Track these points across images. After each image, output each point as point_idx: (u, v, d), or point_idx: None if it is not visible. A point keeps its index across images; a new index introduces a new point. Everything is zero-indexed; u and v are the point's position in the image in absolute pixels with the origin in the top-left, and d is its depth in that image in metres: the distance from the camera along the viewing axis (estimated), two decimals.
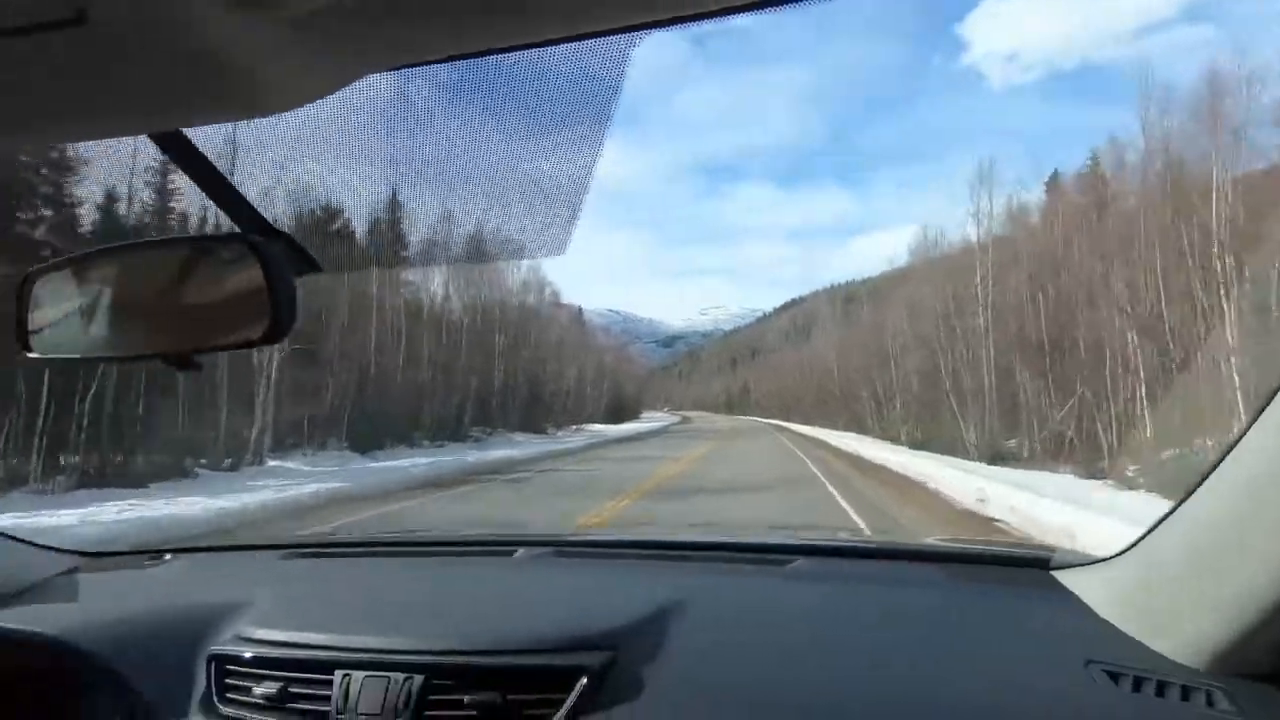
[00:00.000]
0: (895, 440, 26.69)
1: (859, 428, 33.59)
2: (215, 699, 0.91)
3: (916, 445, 23.47)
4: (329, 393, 18.05)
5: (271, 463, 15.20)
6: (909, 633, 0.94)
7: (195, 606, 1.05)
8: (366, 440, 18.96)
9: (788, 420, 54.81)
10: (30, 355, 0.66)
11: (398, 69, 0.46)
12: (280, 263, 0.56)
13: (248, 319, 0.57)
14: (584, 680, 0.84)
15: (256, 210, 0.59)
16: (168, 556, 1.38)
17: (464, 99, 0.55)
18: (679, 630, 0.92)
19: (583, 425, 42.27)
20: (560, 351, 42.09)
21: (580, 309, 58.99)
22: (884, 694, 0.81)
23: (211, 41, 0.36)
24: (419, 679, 0.86)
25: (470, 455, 19.02)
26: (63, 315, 0.66)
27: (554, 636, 0.90)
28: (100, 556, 1.38)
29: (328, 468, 14.70)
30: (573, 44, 0.44)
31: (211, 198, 0.57)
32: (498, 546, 1.37)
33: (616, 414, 58.03)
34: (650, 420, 66.01)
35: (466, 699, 0.84)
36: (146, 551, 1.43)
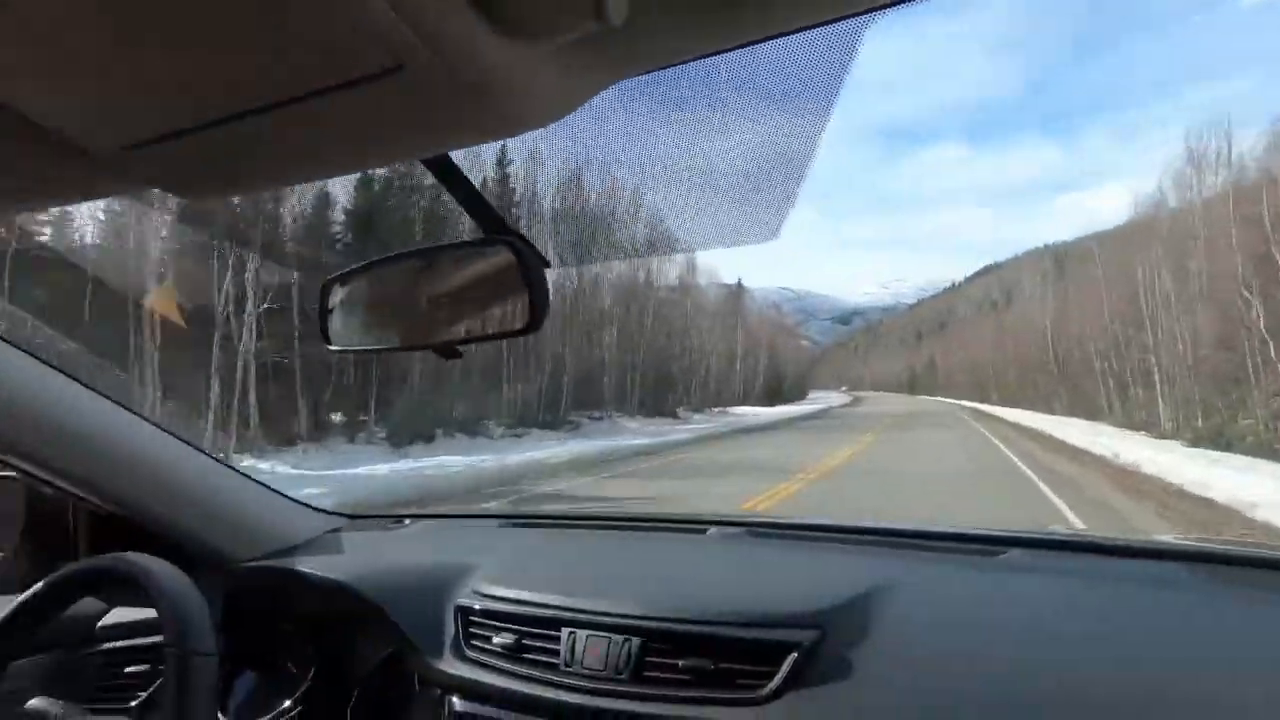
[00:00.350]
0: (1158, 433, 18.56)
1: (1087, 412, 25.63)
2: (463, 644, 1.04)
3: (1201, 442, 15.43)
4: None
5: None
6: (1157, 633, 0.85)
7: (438, 564, 1.19)
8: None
9: (984, 402, 45.12)
10: (330, 349, 0.79)
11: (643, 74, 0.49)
12: (534, 260, 0.64)
13: (510, 312, 0.67)
14: (795, 655, 0.86)
15: (500, 215, 0.66)
16: (407, 521, 1.57)
17: (689, 95, 0.57)
18: (888, 613, 0.91)
19: (727, 408, 38.19)
20: (707, 329, 38.85)
21: (738, 284, 53.80)
22: (1132, 691, 0.75)
23: (491, 71, 0.41)
24: (636, 641, 0.93)
25: (484, 457, 14.20)
26: (353, 314, 0.80)
27: (764, 612, 0.92)
28: (355, 519, 1.58)
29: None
30: (806, 32, 0.46)
31: (463, 206, 0.65)
32: (690, 524, 1.41)
33: (775, 395, 53.13)
34: (814, 402, 60.22)
35: (681, 663, 0.89)
36: (390, 516, 1.63)
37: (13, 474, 1.13)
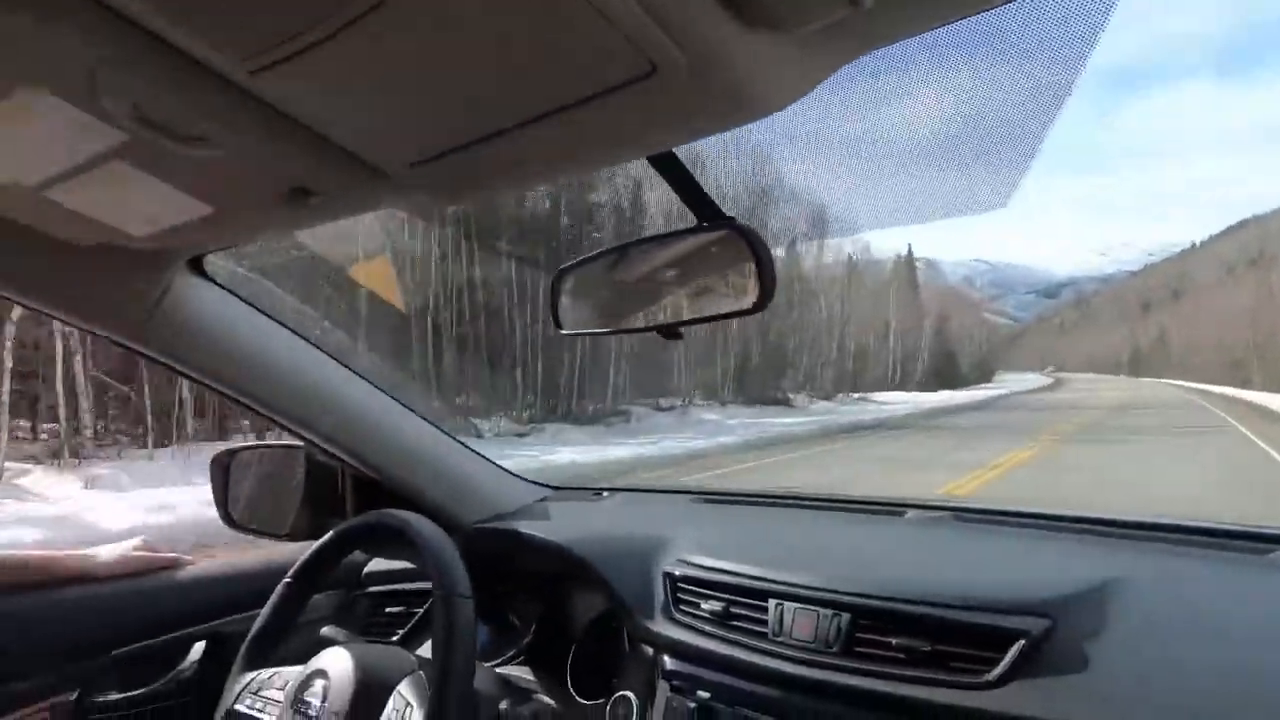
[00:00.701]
0: None
1: None
2: (671, 608, 1.09)
3: None
4: None
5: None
6: None
7: (642, 534, 1.25)
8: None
9: (1243, 386, 37.06)
10: (563, 333, 0.88)
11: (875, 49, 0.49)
12: (762, 243, 0.68)
13: (739, 292, 0.71)
14: (1023, 643, 0.82)
15: (714, 201, 0.70)
16: (605, 493, 1.66)
17: (920, 64, 0.56)
18: (1124, 608, 0.84)
19: (870, 394, 33.16)
20: (840, 300, 34.13)
21: (907, 254, 48.89)
22: None
23: (736, 64, 0.43)
24: (846, 616, 0.92)
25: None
26: (583, 300, 0.88)
27: (987, 597, 0.88)
28: (559, 489, 1.69)
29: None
30: None
31: (679, 194, 0.69)
32: (887, 506, 1.37)
33: (945, 379, 47.12)
34: (997, 387, 51.60)
35: (894, 641, 0.88)
36: (589, 489, 1.72)
37: (301, 444, 1.37)
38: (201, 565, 1.39)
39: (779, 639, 0.96)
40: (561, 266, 0.87)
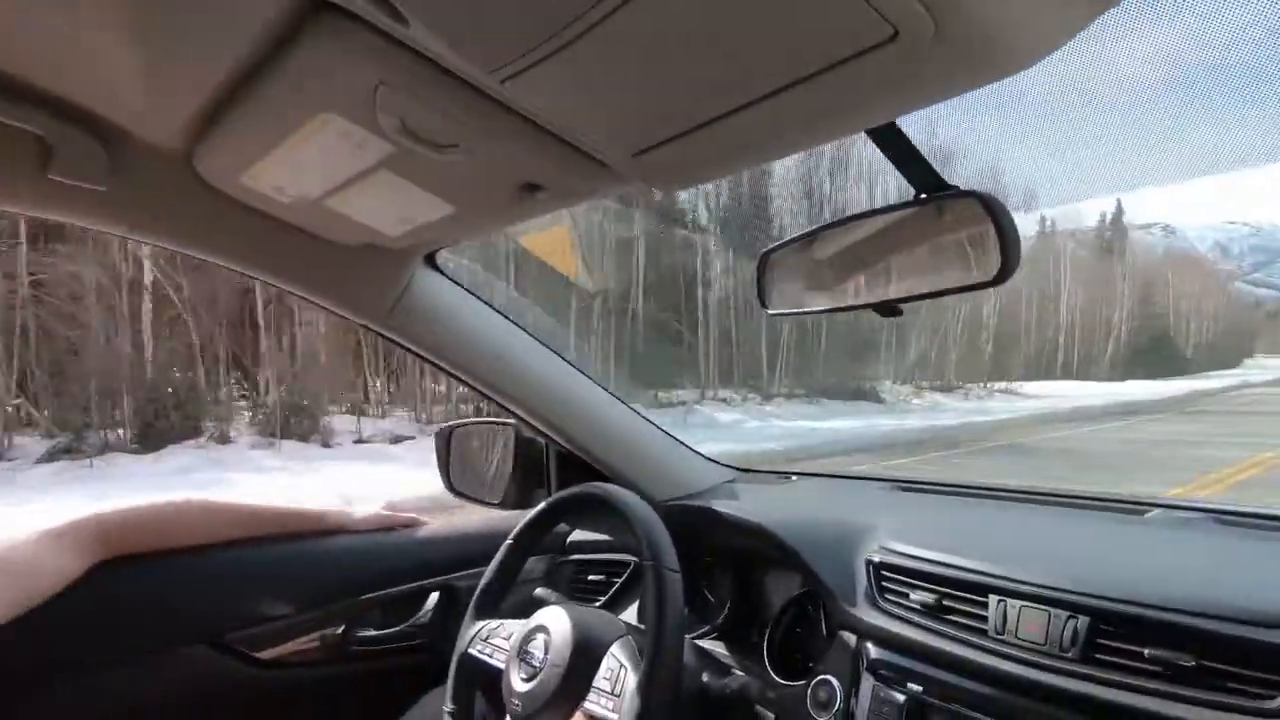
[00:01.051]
0: None
1: None
2: (876, 596, 1.05)
3: None
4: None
5: None
6: None
7: (839, 518, 1.22)
8: None
9: None
10: (770, 313, 0.89)
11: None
12: (1005, 212, 0.65)
13: (979, 264, 0.67)
14: None
15: (935, 170, 0.67)
16: (793, 478, 1.63)
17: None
18: None
19: (1016, 385, 27.06)
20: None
21: (1115, 213, 42.10)
22: None
23: (980, 21, 0.41)
24: (1085, 619, 0.85)
25: None
26: (790, 280, 0.88)
27: (1266, 610, 0.78)
28: (747, 472, 1.68)
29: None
30: None
31: (896, 164, 0.67)
32: (1123, 504, 1.24)
33: (1155, 365, 38.39)
34: (1235, 374, 41.20)
35: (1148, 651, 0.80)
36: (778, 472, 1.69)
37: (512, 421, 1.50)
38: (434, 526, 1.58)
39: (1001, 638, 0.90)
40: (765, 249, 0.88)
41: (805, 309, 0.89)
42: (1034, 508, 1.32)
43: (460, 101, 0.62)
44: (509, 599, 1.19)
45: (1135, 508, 1.19)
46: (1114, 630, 0.83)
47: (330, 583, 1.39)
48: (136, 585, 1.21)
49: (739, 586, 1.32)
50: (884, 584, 1.05)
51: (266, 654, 1.31)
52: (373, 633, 1.42)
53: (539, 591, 1.24)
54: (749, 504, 1.41)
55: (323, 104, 0.67)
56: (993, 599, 0.92)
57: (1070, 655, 0.84)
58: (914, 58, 0.44)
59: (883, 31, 0.42)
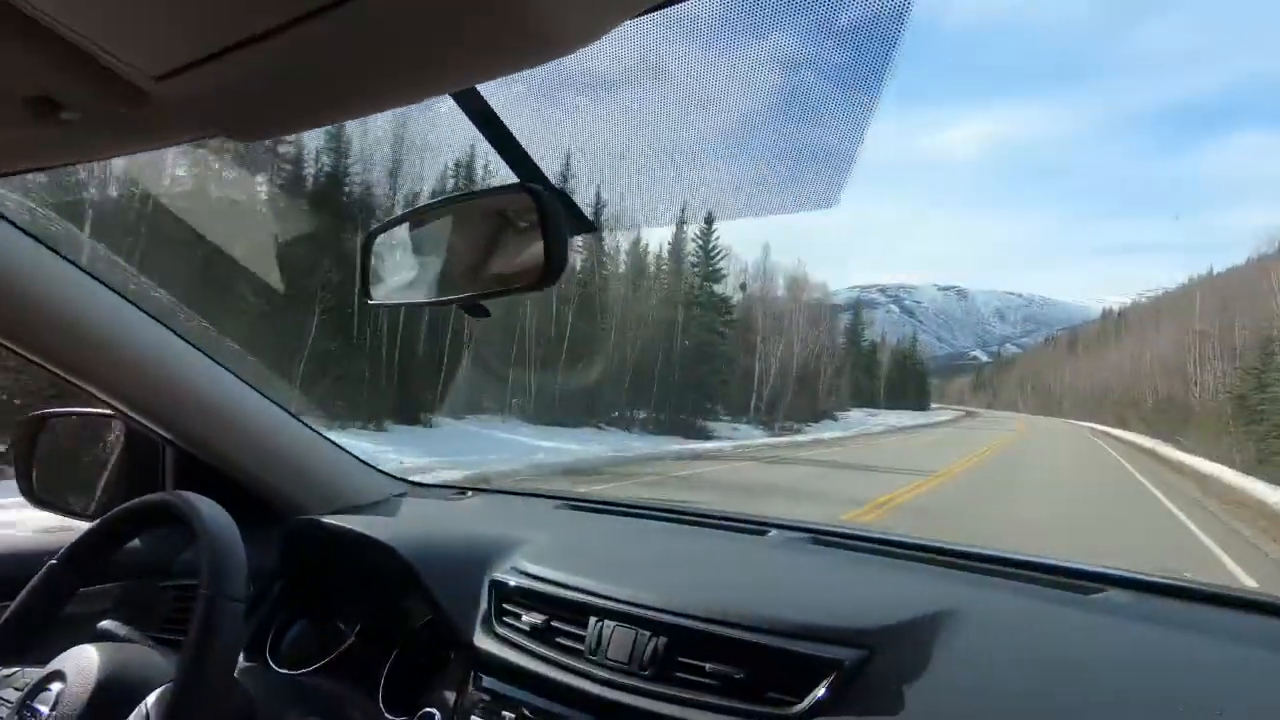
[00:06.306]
0: None
1: None
2: (493, 619, 1.03)
3: None
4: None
5: None
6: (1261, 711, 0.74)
7: (486, 538, 1.19)
8: None
9: (1123, 427, 36.50)
10: (370, 303, 0.80)
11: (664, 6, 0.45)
12: (555, 211, 0.60)
13: (523, 266, 0.63)
14: (835, 675, 0.80)
15: (535, 163, 0.63)
16: (469, 494, 1.59)
17: (728, 36, 0.53)
18: (945, 643, 0.83)
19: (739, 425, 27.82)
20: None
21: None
22: None
23: None
24: (664, 639, 0.88)
25: None
26: (393, 267, 0.80)
27: (807, 624, 0.85)
28: (421, 486, 1.63)
29: None
30: None
31: (497, 149, 0.62)
32: (751, 525, 1.33)
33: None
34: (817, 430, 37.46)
35: (709, 666, 0.84)
36: (454, 486, 1.65)
37: (109, 411, 1.23)
38: None
39: (594, 659, 0.90)
40: (372, 229, 0.79)
41: (408, 300, 0.80)
42: (679, 527, 1.37)
43: None
44: (60, 635, 0.95)
45: (761, 528, 1.28)
46: (690, 648, 0.86)
47: None
48: None
49: (372, 611, 1.21)
50: (503, 605, 1.03)
51: None
52: None
53: (104, 625, 1.00)
54: (402, 521, 1.33)
55: None
56: (592, 620, 0.93)
57: (647, 674, 0.86)
58: (450, 20, 0.42)
59: None
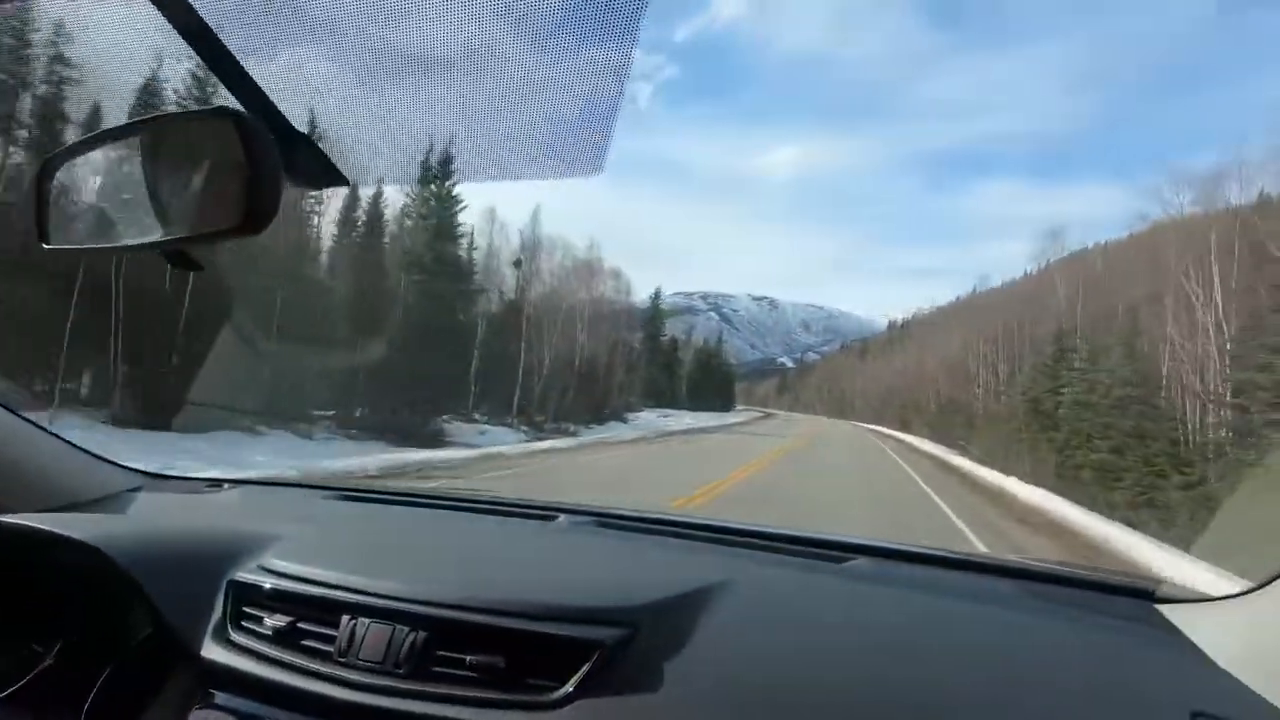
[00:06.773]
0: None
1: None
2: (229, 625, 0.92)
3: None
4: None
5: None
6: (982, 653, 0.84)
7: (231, 534, 1.07)
8: None
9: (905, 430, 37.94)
10: (48, 248, 0.65)
11: None
12: (266, 142, 0.52)
13: (226, 207, 0.53)
14: (597, 656, 0.81)
15: (258, 85, 0.55)
16: (226, 485, 1.46)
17: None
18: (709, 616, 0.87)
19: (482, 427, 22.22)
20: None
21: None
22: (940, 715, 0.74)
23: None
24: (423, 633, 0.85)
25: None
26: (74, 205, 0.66)
27: (571, 606, 0.86)
28: (162, 479, 1.46)
29: None
30: None
31: (210, 68, 0.54)
32: (541, 511, 1.36)
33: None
34: (697, 419, 38.93)
35: (469, 659, 0.83)
36: (206, 479, 1.51)
37: None
38: None
39: (344, 660, 0.84)
40: (49, 155, 0.64)
41: (91, 245, 0.66)
42: (459, 514, 1.37)
43: None
44: None
45: (550, 514, 1.28)
46: (451, 641, 0.83)
47: None
48: None
49: (79, 626, 1.01)
50: (242, 609, 0.93)
51: None
52: None
53: None
54: (126, 519, 1.19)
55: None
56: (345, 618, 0.87)
57: (403, 672, 0.82)
58: None
59: None
